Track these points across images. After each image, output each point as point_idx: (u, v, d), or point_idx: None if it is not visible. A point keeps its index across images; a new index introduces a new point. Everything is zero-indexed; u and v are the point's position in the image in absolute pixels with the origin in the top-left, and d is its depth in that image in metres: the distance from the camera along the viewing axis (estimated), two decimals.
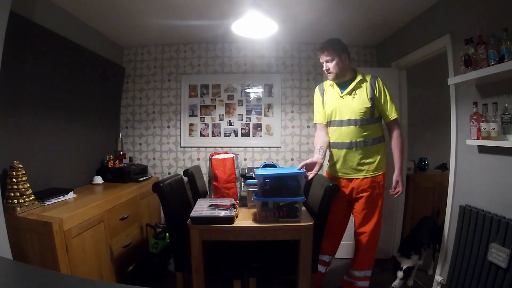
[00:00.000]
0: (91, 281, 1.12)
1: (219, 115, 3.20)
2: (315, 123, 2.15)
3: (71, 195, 2.04)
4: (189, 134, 3.22)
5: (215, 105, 3.20)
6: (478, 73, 1.56)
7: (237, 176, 2.08)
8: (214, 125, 3.21)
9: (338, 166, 2.03)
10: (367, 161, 1.96)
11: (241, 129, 3.20)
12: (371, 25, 2.65)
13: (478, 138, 1.65)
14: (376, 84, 1.95)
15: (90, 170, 2.67)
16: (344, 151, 1.97)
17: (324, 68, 2.01)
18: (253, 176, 1.83)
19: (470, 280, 1.65)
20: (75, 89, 2.40)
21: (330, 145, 2.07)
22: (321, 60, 2.00)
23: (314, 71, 3.17)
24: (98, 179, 2.61)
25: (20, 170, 1.70)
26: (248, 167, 2.78)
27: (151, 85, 3.25)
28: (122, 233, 2.24)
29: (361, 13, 2.39)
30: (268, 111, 3.19)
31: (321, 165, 1.93)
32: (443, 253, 2.06)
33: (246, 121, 3.20)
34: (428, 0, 2.14)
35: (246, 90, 3.20)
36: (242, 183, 2.17)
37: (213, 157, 2.09)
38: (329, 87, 2.07)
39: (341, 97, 1.98)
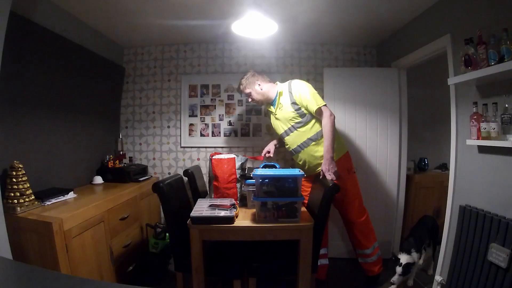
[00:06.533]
0: (91, 281, 1.12)
1: (219, 115, 3.20)
2: None
3: (71, 195, 2.04)
4: (189, 134, 3.21)
5: (215, 105, 3.20)
6: (478, 73, 1.55)
7: (237, 176, 2.08)
8: (214, 125, 3.20)
9: (301, 168, 2.21)
10: (320, 155, 2.11)
11: (241, 129, 3.20)
12: (371, 25, 2.65)
13: (478, 138, 1.65)
14: (292, 88, 2.15)
15: (90, 170, 2.67)
16: (297, 155, 2.24)
17: (249, 101, 2.35)
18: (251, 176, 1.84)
19: (470, 280, 1.65)
20: (75, 89, 2.40)
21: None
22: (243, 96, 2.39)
23: (314, 71, 3.17)
24: (98, 179, 2.61)
25: (20, 170, 1.70)
26: (248, 167, 2.78)
27: (151, 85, 3.25)
28: (122, 233, 2.24)
29: (361, 13, 2.39)
30: None
31: (275, 145, 2.46)
32: (443, 253, 2.06)
33: (246, 121, 3.19)
34: (428, 0, 2.14)
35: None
36: (243, 183, 2.17)
37: (213, 157, 2.09)
38: (268, 111, 2.36)
39: (275, 114, 2.26)
